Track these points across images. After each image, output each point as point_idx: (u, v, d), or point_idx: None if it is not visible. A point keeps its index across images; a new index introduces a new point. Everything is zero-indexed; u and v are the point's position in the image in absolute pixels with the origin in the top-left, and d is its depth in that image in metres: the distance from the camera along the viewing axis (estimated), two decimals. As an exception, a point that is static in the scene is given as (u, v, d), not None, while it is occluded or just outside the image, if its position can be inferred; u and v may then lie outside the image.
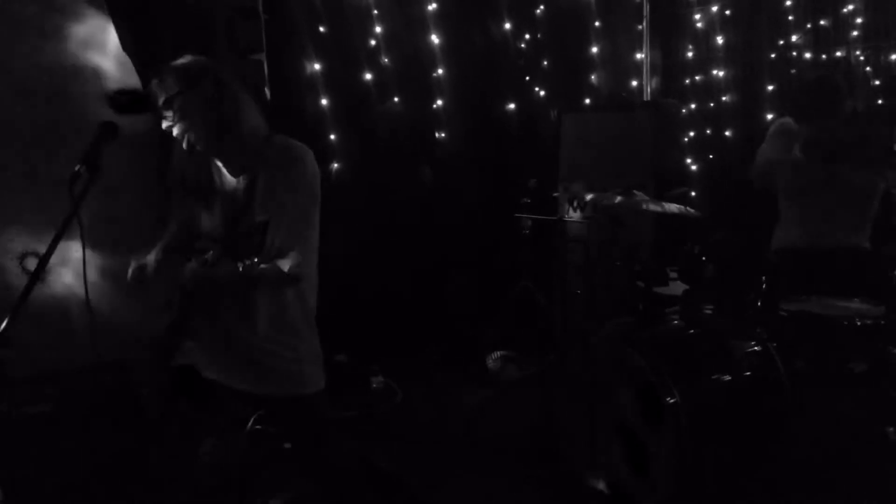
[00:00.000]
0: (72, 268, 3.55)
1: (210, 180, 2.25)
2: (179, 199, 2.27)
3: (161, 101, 2.09)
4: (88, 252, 2.07)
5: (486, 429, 3.76)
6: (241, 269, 1.99)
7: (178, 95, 2.08)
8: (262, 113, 2.23)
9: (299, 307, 2.26)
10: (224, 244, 2.12)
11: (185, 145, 2.14)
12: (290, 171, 2.13)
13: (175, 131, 2.13)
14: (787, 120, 3.54)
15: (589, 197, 3.29)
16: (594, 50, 5.46)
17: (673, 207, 3.12)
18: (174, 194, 2.23)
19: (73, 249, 3.42)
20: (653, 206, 3.13)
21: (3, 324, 1.72)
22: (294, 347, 2.26)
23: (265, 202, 2.12)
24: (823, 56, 4.74)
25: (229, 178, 2.24)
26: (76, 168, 1.93)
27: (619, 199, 3.15)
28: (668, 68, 5.52)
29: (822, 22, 4.75)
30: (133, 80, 3.68)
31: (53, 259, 1.90)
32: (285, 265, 2.05)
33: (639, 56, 5.45)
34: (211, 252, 2.08)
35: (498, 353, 4.58)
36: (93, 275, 3.51)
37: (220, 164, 2.25)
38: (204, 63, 2.16)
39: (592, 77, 5.53)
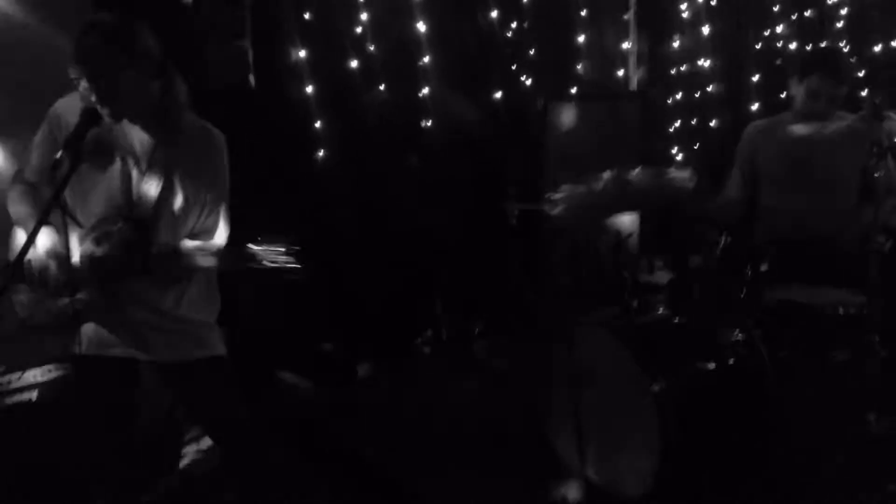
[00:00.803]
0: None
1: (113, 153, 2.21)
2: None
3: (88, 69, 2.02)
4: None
5: (473, 419, 3.77)
6: (182, 249, 2.14)
7: (118, 69, 2.03)
8: (186, 93, 2.23)
9: (208, 274, 2.34)
10: (138, 222, 2.14)
11: (106, 118, 2.07)
12: (212, 154, 2.24)
13: (102, 103, 2.05)
14: (756, 123, 3.57)
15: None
16: (580, 39, 5.45)
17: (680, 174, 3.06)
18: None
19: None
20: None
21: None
22: (207, 312, 2.36)
23: (186, 182, 2.18)
24: (808, 47, 4.75)
25: (136, 151, 2.20)
26: (58, 154, 1.91)
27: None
28: (655, 58, 5.52)
29: (807, 13, 4.76)
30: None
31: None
32: (215, 241, 2.23)
33: (625, 46, 5.45)
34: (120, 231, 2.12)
35: None
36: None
37: (132, 137, 2.20)
38: (148, 39, 2.11)
39: (579, 67, 5.53)
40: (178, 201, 2.18)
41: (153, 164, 2.16)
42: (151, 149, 2.18)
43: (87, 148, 2.01)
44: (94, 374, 2.30)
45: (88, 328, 2.22)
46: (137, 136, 2.19)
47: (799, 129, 3.35)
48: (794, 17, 4.81)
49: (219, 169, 2.25)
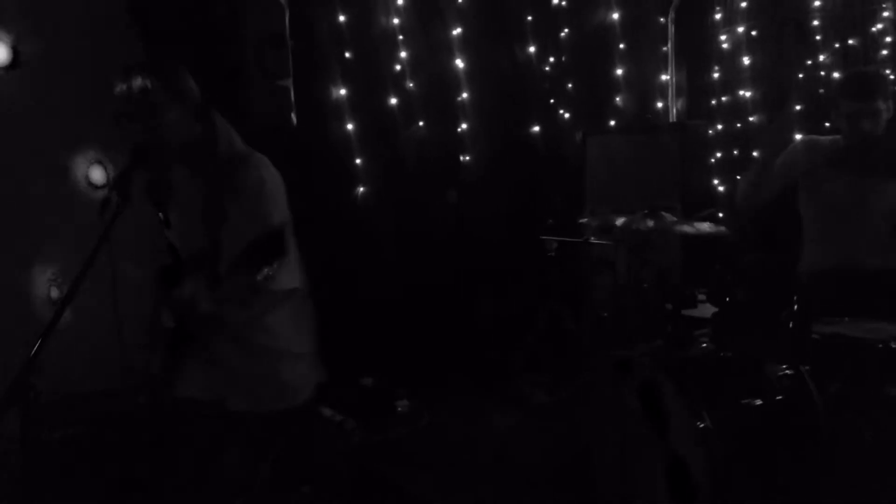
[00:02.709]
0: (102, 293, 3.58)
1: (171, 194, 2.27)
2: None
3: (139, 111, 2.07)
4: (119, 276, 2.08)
5: (514, 454, 3.72)
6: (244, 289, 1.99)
7: (165, 109, 2.08)
8: (230, 132, 2.23)
9: (285, 318, 2.28)
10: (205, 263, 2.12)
11: (153, 158, 2.12)
12: (249, 185, 2.13)
13: (149, 143, 2.10)
14: (812, 138, 3.49)
15: (619, 221, 3.28)
16: (619, 72, 5.46)
17: (704, 226, 3.09)
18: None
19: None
20: (684, 228, 3.11)
21: (34, 349, 1.73)
22: (279, 360, 2.28)
23: (233, 218, 2.12)
24: (842, 83, 4.67)
25: (193, 193, 2.21)
26: (107, 194, 1.97)
27: (649, 221, 3.14)
28: (695, 89, 5.49)
29: (850, 41, 4.70)
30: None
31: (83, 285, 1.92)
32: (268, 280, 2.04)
33: (664, 77, 5.44)
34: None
35: None
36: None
37: (179, 178, 2.25)
38: (189, 80, 2.17)
39: (617, 99, 5.53)
40: (232, 238, 2.13)
41: (199, 203, 2.18)
42: (196, 188, 2.21)
43: (138, 188, 2.07)
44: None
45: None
46: (183, 177, 2.24)
47: (850, 153, 3.27)
48: (837, 46, 4.75)
49: (260, 198, 2.14)
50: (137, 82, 2.05)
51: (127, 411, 3.27)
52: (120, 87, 2.07)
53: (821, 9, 4.79)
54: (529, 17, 5.31)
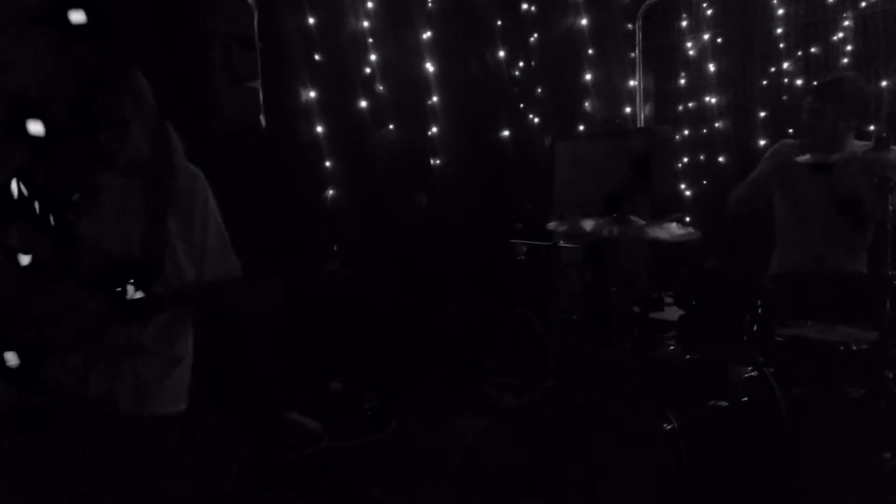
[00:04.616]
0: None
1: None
2: None
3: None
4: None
5: (482, 457, 3.73)
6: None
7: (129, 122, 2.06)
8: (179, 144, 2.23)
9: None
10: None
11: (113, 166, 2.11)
12: (199, 200, 2.17)
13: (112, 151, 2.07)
14: (786, 142, 3.54)
15: (587, 225, 3.29)
16: (587, 77, 5.51)
17: (671, 227, 3.12)
18: None
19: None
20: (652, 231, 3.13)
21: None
22: (166, 365, 2.22)
23: (180, 230, 2.14)
24: (815, 83, 4.77)
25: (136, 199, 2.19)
26: (71, 196, 1.94)
27: (616, 226, 3.16)
28: (661, 95, 5.57)
29: (812, 49, 4.80)
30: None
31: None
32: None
33: (632, 83, 5.50)
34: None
35: None
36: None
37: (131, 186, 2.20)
38: (149, 98, 2.15)
39: (586, 104, 5.57)
40: (179, 247, 2.16)
41: (150, 212, 2.13)
42: (146, 198, 2.16)
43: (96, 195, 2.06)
44: None
45: None
46: (135, 186, 2.21)
47: (812, 157, 3.31)
48: (799, 54, 4.84)
49: (204, 211, 2.20)
50: (107, 88, 2.04)
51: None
52: (93, 95, 2.03)
53: (784, 17, 4.88)
54: (499, 22, 5.34)
